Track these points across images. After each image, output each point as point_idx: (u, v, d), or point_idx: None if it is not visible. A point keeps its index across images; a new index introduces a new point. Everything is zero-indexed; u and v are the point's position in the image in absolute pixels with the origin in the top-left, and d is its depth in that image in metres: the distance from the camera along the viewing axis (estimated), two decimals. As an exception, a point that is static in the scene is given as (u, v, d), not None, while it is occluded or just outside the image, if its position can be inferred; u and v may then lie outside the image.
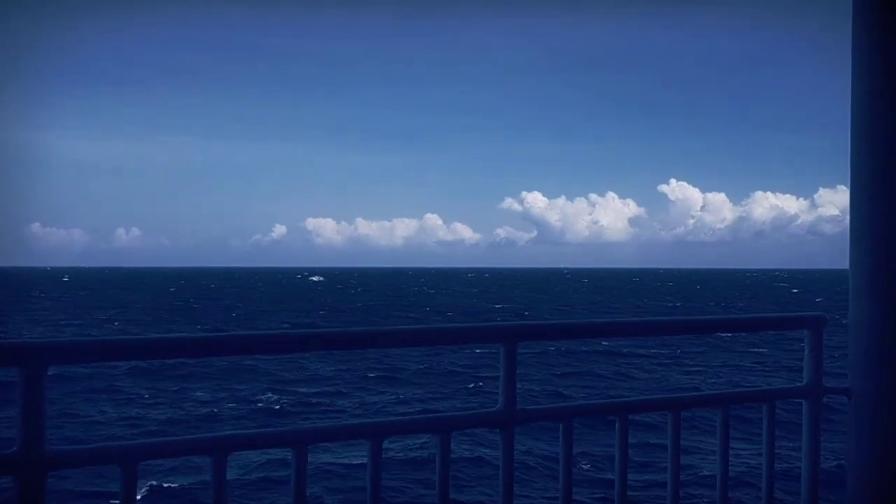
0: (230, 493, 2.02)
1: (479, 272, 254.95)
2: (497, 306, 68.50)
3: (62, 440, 16.33)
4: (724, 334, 31.02)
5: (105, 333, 38.21)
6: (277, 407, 21.95)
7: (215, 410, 21.35)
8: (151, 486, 13.21)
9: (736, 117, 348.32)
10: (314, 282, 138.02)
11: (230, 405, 22.15)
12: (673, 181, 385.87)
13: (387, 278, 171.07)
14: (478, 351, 28.42)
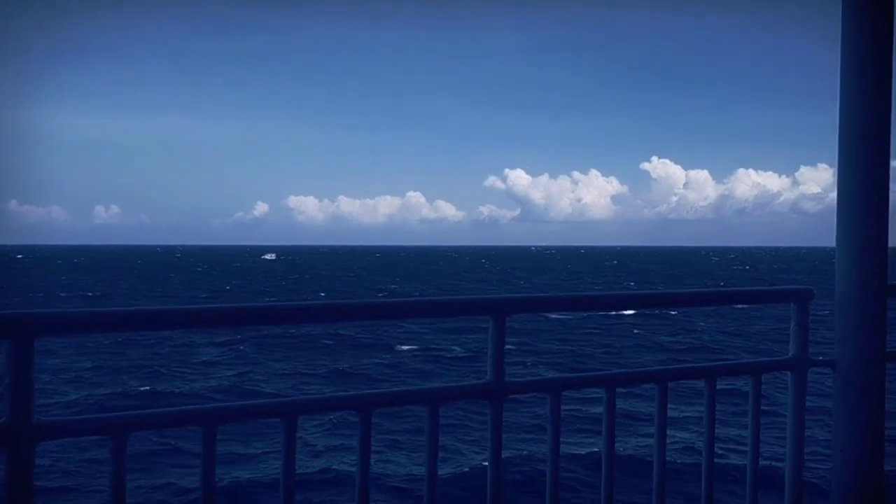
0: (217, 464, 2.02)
1: (454, 250, 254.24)
2: (393, 286, 69.88)
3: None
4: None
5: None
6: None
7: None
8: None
9: (718, 94, 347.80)
10: (266, 260, 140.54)
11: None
12: (655, 159, 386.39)
13: (340, 258, 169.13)
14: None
